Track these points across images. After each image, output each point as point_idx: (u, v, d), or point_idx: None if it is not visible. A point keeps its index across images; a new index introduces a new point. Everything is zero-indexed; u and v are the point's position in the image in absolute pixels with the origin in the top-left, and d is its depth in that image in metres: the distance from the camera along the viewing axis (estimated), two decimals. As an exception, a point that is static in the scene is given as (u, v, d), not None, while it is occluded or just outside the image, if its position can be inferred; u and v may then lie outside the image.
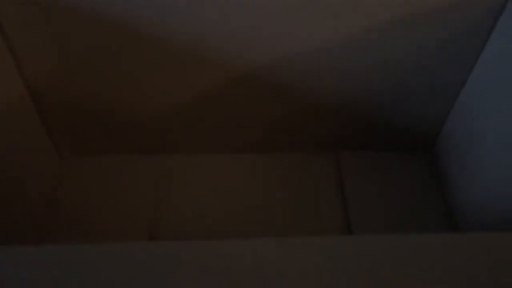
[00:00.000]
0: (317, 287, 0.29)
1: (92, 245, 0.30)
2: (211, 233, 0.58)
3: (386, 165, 0.63)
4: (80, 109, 0.58)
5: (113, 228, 0.58)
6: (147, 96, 0.57)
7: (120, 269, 0.30)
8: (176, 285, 0.30)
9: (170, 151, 0.64)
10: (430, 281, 0.30)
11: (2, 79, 0.50)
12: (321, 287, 0.29)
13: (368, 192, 0.61)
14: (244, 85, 0.56)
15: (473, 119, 0.55)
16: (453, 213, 0.59)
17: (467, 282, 0.30)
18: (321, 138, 0.63)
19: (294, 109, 0.59)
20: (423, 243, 0.31)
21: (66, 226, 0.58)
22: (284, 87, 0.56)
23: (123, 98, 0.57)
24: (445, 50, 0.52)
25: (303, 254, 0.31)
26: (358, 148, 0.64)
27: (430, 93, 0.57)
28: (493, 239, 0.32)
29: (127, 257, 0.30)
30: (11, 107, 0.52)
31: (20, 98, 0.54)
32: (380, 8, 0.48)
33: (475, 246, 0.32)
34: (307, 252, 0.31)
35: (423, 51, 0.52)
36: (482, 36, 0.50)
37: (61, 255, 0.30)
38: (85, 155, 0.63)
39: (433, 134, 0.63)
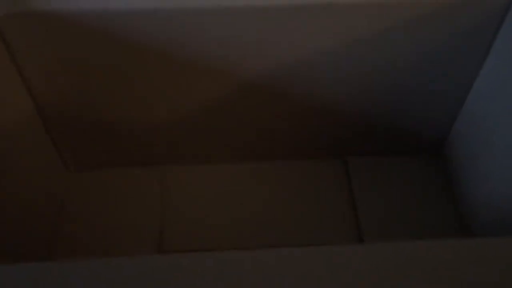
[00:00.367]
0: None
1: (99, 260, 0.30)
2: (218, 242, 0.57)
3: (394, 169, 0.63)
4: (85, 123, 0.58)
5: (121, 240, 0.58)
6: (151, 109, 0.57)
7: (128, 284, 0.30)
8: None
9: (175, 163, 0.63)
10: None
11: (10, 96, 0.51)
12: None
13: (377, 197, 0.60)
14: (247, 94, 0.55)
15: (481, 121, 0.54)
16: (463, 215, 0.58)
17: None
18: (328, 144, 0.63)
19: (299, 116, 0.59)
20: (435, 249, 0.31)
21: (73, 239, 0.58)
22: (288, 93, 0.56)
23: (127, 111, 0.57)
24: (451, 53, 0.52)
25: (314, 264, 0.31)
26: (366, 153, 0.63)
27: (437, 96, 0.57)
28: (506, 243, 0.32)
29: (135, 271, 0.30)
30: (18, 123, 0.52)
31: (28, 114, 0.54)
32: (383, 13, 0.48)
33: (487, 251, 0.31)
34: (318, 261, 0.31)
35: (429, 54, 0.52)
36: (489, 37, 0.50)
37: (68, 271, 0.30)
38: (91, 168, 0.63)
39: (441, 137, 0.62)
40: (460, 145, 0.59)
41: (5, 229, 0.49)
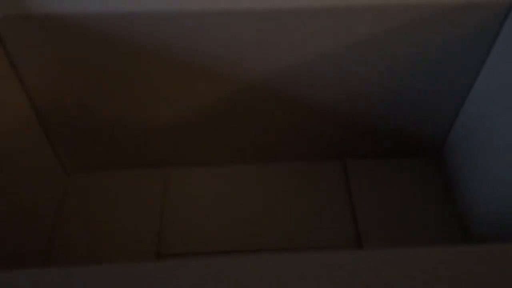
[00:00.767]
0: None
1: (98, 266, 0.30)
2: (218, 245, 0.57)
3: (394, 171, 0.63)
4: (84, 125, 0.58)
5: (120, 242, 0.57)
6: (150, 111, 0.57)
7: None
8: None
9: (175, 164, 0.63)
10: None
11: (8, 98, 0.51)
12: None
13: (376, 199, 0.60)
14: (247, 95, 0.55)
15: (481, 122, 0.54)
16: (463, 216, 0.58)
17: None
18: (327, 145, 0.63)
19: (299, 117, 0.59)
20: (435, 256, 0.31)
21: (72, 241, 0.58)
22: (288, 95, 0.56)
23: (127, 113, 0.57)
24: (450, 55, 0.52)
25: (314, 270, 0.31)
26: (365, 154, 0.63)
27: (436, 98, 0.57)
28: (507, 250, 0.32)
29: (134, 278, 0.30)
30: (17, 125, 0.52)
31: (26, 115, 0.54)
32: (383, 14, 0.48)
33: (488, 258, 0.31)
34: (318, 267, 0.31)
35: (429, 56, 0.52)
36: (489, 40, 0.50)
37: (67, 277, 0.30)
38: (89, 170, 0.63)
39: (441, 138, 0.62)
40: (460, 146, 0.59)
41: (3, 231, 0.49)
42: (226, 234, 0.58)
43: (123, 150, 0.62)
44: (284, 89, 0.55)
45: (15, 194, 0.52)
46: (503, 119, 0.50)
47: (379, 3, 0.47)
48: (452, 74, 0.54)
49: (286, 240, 0.57)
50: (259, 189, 0.62)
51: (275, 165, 0.63)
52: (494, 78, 0.51)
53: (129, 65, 0.51)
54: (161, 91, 0.55)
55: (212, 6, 0.46)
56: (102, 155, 0.62)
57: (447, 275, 0.30)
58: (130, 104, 0.56)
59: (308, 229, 0.58)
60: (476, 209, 0.55)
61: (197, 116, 0.58)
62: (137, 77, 0.53)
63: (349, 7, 0.47)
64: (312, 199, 0.61)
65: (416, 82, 0.55)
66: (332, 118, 0.59)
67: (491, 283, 0.30)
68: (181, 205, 0.61)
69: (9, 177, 0.51)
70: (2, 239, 0.49)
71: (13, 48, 0.48)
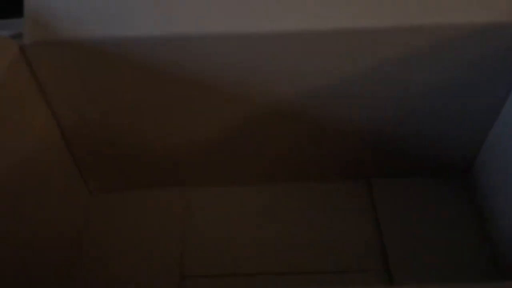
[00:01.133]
0: None
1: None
2: (240, 266, 0.57)
3: (420, 191, 0.62)
4: (108, 147, 0.58)
5: (143, 262, 0.57)
6: (171, 133, 0.57)
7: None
8: None
9: (197, 185, 0.63)
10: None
11: (35, 121, 0.51)
12: None
13: (403, 221, 0.59)
14: (268, 117, 0.55)
15: (510, 144, 0.53)
16: (493, 240, 0.57)
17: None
18: (350, 166, 0.62)
19: (321, 138, 0.58)
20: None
21: (95, 260, 0.58)
22: (310, 117, 0.55)
23: (149, 135, 0.57)
24: (479, 76, 0.51)
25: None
26: (391, 175, 0.62)
27: (465, 118, 0.56)
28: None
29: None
30: (44, 147, 0.53)
31: (53, 138, 0.55)
32: (410, 35, 0.47)
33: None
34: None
35: (456, 77, 0.51)
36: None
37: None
38: (112, 190, 0.63)
39: (469, 159, 0.61)
40: (489, 167, 0.58)
41: (28, 250, 0.50)
42: (248, 255, 0.57)
43: (145, 171, 0.62)
44: (308, 110, 0.55)
45: (41, 213, 0.52)
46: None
47: (405, 26, 0.46)
48: (481, 95, 0.53)
49: (311, 263, 0.56)
50: (281, 209, 0.61)
51: (298, 185, 0.63)
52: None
53: (151, 89, 0.52)
54: (183, 114, 0.55)
55: (232, 30, 0.47)
56: (125, 175, 0.62)
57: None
58: (153, 126, 0.56)
59: (332, 252, 0.57)
60: (503, 232, 0.54)
61: (218, 138, 0.58)
62: (160, 100, 0.53)
63: (374, 30, 0.46)
64: (337, 219, 0.60)
65: (444, 102, 0.54)
66: (358, 138, 0.58)
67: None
68: (203, 226, 0.60)
69: (36, 197, 0.51)
70: (27, 258, 0.49)
71: (41, 73, 0.49)
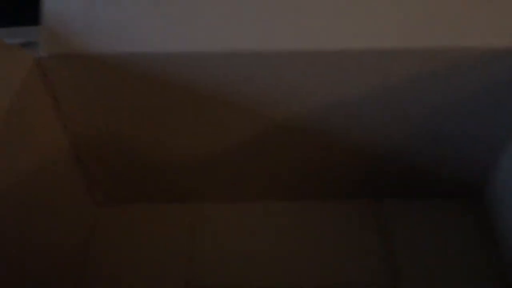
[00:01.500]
0: None
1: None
2: (246, 281, 0.56)
3: (432, 212, 0.61)
4: (117, 159, 0.58)
5: (149, 277, 0.57)
6: (181, 145, 0.57)
7: None
8: None
9: (206, 200, 0.63)
10: None
11: (47, 133, 0.51)
12: None
13: (415, 242, 0.59)
14: (280, 134, 0.55)
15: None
16: (504, 262, 0.56)
17: None
18: (361, 185, 0.62)
19: (332, 157, 0.58)
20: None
21: (101, 273, 0.58)
22: (323, 134, 0.55)
23: (158, 147, 0.57)
24: (491, 95, 0.51)
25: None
26: (402, 195, 0.62)
27: (477, 139, 0.56)
28: None
29: None
30: (54, 159, 0.52)
31: (64, 150, 0.54)
32: (423, 57, 0.47)
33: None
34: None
35: (469, 98, 0.51)
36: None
37: None
38: (119, 203, 0.63)
39: (483, 179, 0.61)
40: (500, 189, 0.57)
41: (32, 262, 0.49)
42: (256, 271, 0.57)
43: (154, 184, 0.62)
44: (319, 127, 0.54)
45: (47, 224, 0.52)
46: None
47: (417, 48, 0.46)
48: (493, 115, 0.52)
49: (319, 280, 0.56)
50: (290, 227, 0.61)
51: (308, 203, 0.62)
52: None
53: (162, 103, 0.51)
54: (194, 129, 0.54)
55: (245, 48, 0.46)
56: (133, 188, 0.62)
57: None
58: (161, 138, 0.56)
59: (342, 271, 0.57)
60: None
61: (228, 153, 0.57)
62: (170, 115, 0.53)
63: (387, 51, 0.46)
64: (346, 239, 0.59)
65: (457, 122, 0.54)
66: (370, 158, 0.58)
67: None
68: (210, 241, 0.60)
69: (43, 208, 0.51)
70: (32, 270, 0.49)
71: (56, 86, 0.49)
